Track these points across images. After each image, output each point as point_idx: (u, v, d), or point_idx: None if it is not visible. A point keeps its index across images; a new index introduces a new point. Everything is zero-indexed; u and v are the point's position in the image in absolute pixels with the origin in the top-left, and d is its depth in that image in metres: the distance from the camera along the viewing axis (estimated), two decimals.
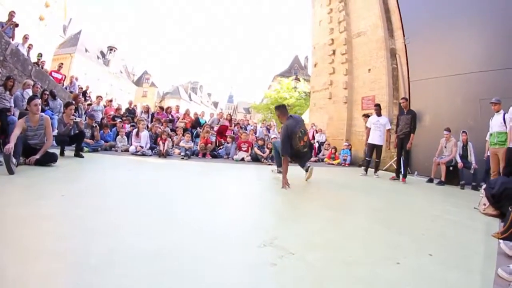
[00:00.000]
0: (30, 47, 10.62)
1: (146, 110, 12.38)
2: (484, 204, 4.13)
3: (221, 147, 10.46)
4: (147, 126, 10.05)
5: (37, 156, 4.61)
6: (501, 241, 2.52)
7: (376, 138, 7.97)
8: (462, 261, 2.21)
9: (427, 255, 2.24)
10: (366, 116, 9.64)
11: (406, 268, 1.96)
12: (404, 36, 10.81)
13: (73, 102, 7.48)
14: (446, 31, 9.26)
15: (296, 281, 1.67)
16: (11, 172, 3.72)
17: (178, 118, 12.54)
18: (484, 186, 4.69)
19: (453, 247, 2.55)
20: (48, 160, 4.77)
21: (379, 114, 8.19)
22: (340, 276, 1.77)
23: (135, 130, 8.95)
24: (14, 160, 3.88)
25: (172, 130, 10.87)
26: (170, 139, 9.52)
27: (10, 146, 3.92)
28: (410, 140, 7.18)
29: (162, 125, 10.37)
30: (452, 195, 5.87)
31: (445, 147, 7.66)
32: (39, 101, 5.08)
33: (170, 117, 12.22)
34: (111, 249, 1.82)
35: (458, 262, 2.18)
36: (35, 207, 2.57)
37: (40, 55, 12.12)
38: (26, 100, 5.41)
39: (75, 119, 6.29)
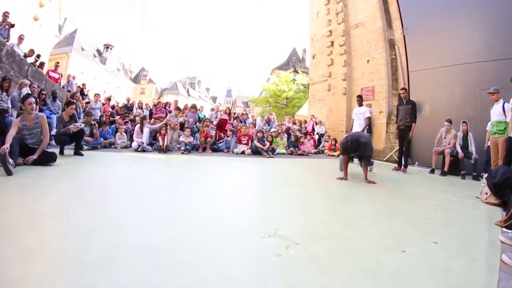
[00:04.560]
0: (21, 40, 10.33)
1: (141, 106, 12.51)
2: (486, 193, 4.14)
3: (221, 141, 10.44)
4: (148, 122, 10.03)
5: (35, 156, 4.55)
6: (500, 235, 2.53)
7: (356, 127, 8.02)
8: (467, 249, 2.21)
9: (432, 243, 2.24)
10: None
11: (411, 256, 1.96)
12: (402, 26, 10.71)
13: (74, 101, 7.42)
14: (445, 21, 9.17)
15: (302, 271, 1.66)
16: (9, 173, 3.68)
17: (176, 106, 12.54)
18: (485, 175, 4.69)
19: (457, 235, 2.55)
20: (47, 159, 4.71)
21: (360, 104, 8.21)
22: (346, 265, 1.77)
23: (137, 126, 8.93)
24: (10, 161, 3.83)
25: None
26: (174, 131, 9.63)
27: (6, 146, 3.87)
28: (412, 129, 7.23)
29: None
30: (453, 185, 5.87)
31: (445, 138, 7.62)
32: (33, 99, 4.95)
33: (169, 112, 12.20)
34: (111, 246, 1.82)
35: (463, 250, 2.17)
36: (35, 205, 2.56)
37: (38, 56, 11.94)
38: (21, 99, 5.33)
39: (80, 126, 6.22)
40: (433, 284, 1.66)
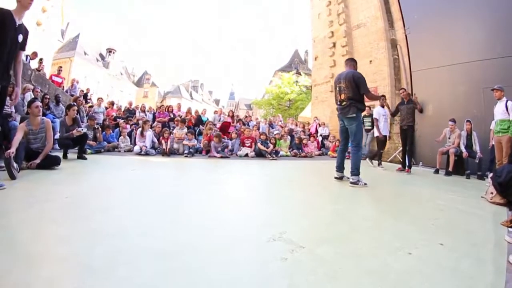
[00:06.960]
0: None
1: (144, 110, 12.60)
2: (492, 193, 4.10)
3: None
4: (151, 125, 10.05)
5: (38, 161, 4.57)
6: (506, 235, 2.50)
7: (386, 129, 7.95)
8: (473, 250, 2.18)
9: (438, 244, 2.21)
10: None
11: (417, 258, 1.93)
12: (404, 26, 10.71)
13: (75, 104, 7.45)
14: (447, 20, 9.15)
15: (308, 275, 1.64)
16: (12, 177, 3.68)
17: (180, 117, 12.56)
18: (490, 175, 4.65)
19: (463, 236, 2.52)
20: (50, 163, 4.74)
21: (383, 105, 8.13)
22: (352, 268, 1.75)
23: (139, 130, 8.95)
24: (15, 165, 3.84)
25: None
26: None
27: (11, 150, 3.88)
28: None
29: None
30: (458, 184, 5.82)
31: (449, 138, 7.57)
32: (39, 103, 5.03)
33: (172, 115, 12.23)
34: (116, 250, 1.81)
35: (469, 251, 2.15)
36: (38, 210, 2.56)
37: (41, 60, 12.07)
38: (27, 104, 5.38)
39: (83, 130, 6.25)
40: (440, 286, 1.63)
